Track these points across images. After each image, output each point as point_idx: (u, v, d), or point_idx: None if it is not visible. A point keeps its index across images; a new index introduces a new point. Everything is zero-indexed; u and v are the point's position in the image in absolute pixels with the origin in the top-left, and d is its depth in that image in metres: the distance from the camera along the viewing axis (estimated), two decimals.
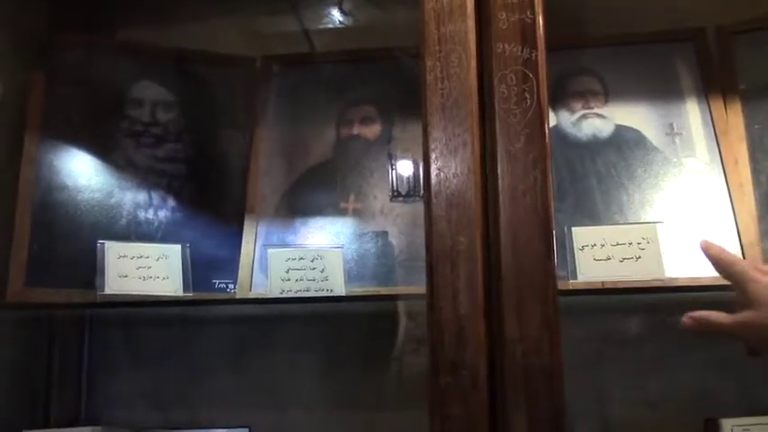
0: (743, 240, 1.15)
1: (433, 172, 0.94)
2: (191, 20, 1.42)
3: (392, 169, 1.30)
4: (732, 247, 1.15)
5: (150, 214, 1.27)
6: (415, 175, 1.30)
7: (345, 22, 1.50)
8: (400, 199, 1.29)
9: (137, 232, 1.25)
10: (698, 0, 1.31)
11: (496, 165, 0.93)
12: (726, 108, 1.24)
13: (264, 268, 1.22)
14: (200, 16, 1.42)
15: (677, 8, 1.29)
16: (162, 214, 1.27)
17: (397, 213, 1.29)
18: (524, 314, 0.89)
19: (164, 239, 1.24)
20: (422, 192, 1.30)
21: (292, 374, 1.31)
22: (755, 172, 1.20)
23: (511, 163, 0.92)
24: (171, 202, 1.28)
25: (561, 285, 0.92)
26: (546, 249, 0.90)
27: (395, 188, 1.30)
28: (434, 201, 0.93)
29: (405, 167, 1.30)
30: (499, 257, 0.91)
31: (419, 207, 1.27)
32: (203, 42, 1.38)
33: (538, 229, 0.91)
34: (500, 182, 0.92)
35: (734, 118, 1.23)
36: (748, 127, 1.22)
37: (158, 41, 1.38)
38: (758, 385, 1.17)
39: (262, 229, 1.27)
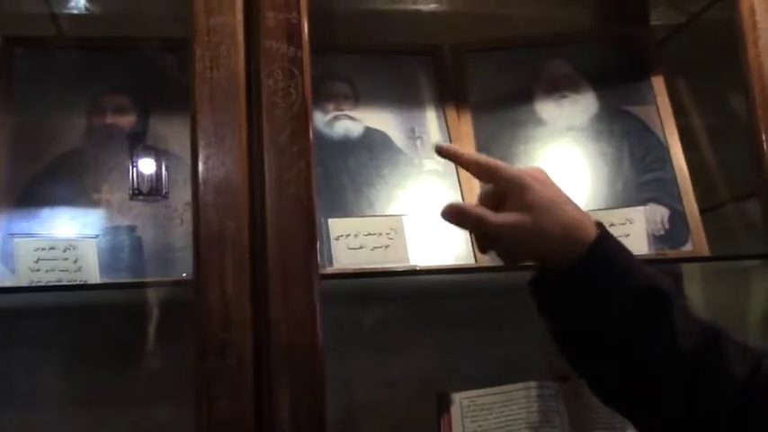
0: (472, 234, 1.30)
1: (201, 159, 0.96)
2: None
3: (134, 167, 1.29)
4: (463, 240, 1.30)
5: None
6: (158, 173, 1.29)
7: (93, 9, 1.45)
8: (140, 197, 1.28)
9: None
10: (437, 20, 1.46)
11: (263, 155, 0.97)
12: (458, 117, 1.39)
13: (6, 260, 1.15)
14: None
15: (419, 24, 1.44)
16: None
17: (142, 207, 1.27)
18: (288, 296, 0.94)
19: None
20: (165, 191, 1.31)
21: (36, 372, 1.23)
22: None
23: (277, 154, 0.97)
24: None
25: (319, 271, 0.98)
26: (309, 236, 0.96)
27: (135, 186, 1.28)
28: (202, 187, 0.95)
29: (148, 165, 1.29)
30: (265, 243, 0.95)
31: (163, 204, 1.27)
32: None
33: (301, 216, 0.97)
34: (266, 171, 0.97)
35: (465, 126, 1.39)
36: (477, 135, 1.38)
37: None
38: (490, 363, 1.32)
39: (3, 218, 1.19)
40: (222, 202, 0.95)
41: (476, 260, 1.28)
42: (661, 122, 1.39)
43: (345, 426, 1.33)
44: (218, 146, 0.96)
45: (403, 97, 1.38)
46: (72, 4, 1.45)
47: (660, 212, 1.33)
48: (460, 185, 1.34)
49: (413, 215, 1.25)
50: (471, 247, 1.29)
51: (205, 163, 0.96)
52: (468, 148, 1.36)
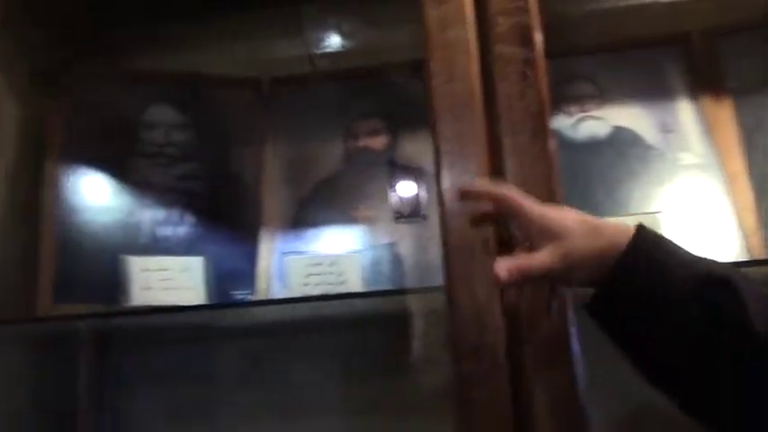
0: (743, 228, 1.20)
1: (445, 167, 0.98)
2: (199, 46, 1.48)
3: (393, 191, 1.35)
4: (733, 236, 1.20)
5: (169, 231, 1.31)
6: (417, 195, 1.34)
7: (346, 45, 1.56)
8: (403, 220, 1.33)
9: (156, 249, 1.30)
10: (682, 6, 1.38)
11: (504, 159, 0.98)
12: (715, 105, 1.29)
13: (282, 278, 1.26)
14: (207, 43, 1.48)
15: (663, 13, 1.36)
16: (181, 230, 1.31)
17: (401, 227, 1.33)
18: (537, 299, 0.93)
19: (183, 255, 1.28)
20: (423, 212, 1.36)
21: (311, 383, 1.33)
22: (748, 163, 1.25)
23: (518, 155, 0.97)
24: (189, 219, 1.32)
25: None
26: None
27: (397, 209, 1.34)
28: (448, 197, 0.98)
29: (407, 188, 1.35)
30: (512, 247, 0.95)
31: (423, 225, 1.31)
32: (212, 66, 1.44)
33: None
34: (508, 175, 0.97)
35: (724, 114, 1.29)
36: (739, 121, 1.28)
37: (170, 67, 1.44)
38: None
39: (278, 240, 1.32)
40: (468, 210, 0.97)
41: (750, 256, 1.17)
42: None
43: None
44: (460, 153, 0.98)
45: (650, 91, 1.32)
46: (327, 43, 1.57)
47: None
48: (723, 176, 1.24)
49: (670, 213, 1.19)
50: (745, 243, 1.19)
51: (449, 170, 0.98)
52: (728, 136, 1.27)
